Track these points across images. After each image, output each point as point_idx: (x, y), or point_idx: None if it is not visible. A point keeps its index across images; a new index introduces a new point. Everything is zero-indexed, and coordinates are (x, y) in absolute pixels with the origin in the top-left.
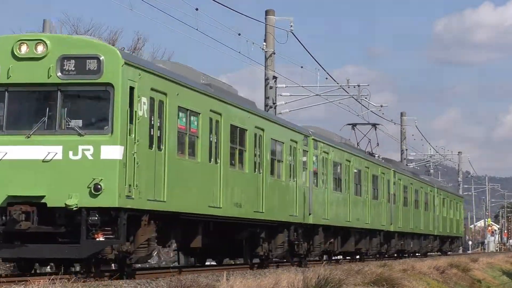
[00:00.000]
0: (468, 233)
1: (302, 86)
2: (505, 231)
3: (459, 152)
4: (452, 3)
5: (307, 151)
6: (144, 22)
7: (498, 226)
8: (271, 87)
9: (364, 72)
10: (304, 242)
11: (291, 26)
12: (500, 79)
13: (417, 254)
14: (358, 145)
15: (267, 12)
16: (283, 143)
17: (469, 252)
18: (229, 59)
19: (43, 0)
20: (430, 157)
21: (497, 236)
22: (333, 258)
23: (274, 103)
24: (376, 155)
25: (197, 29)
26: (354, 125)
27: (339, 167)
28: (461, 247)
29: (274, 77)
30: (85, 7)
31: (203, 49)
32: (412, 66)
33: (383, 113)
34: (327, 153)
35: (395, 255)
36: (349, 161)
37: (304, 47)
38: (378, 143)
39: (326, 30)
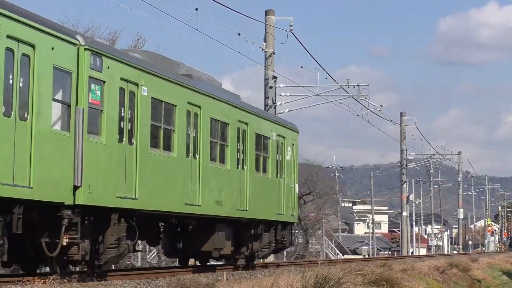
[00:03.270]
0: (468, 233)
1: (302, 86)
2: (505, 231)
3: (458, 152)
4: (456, 3)
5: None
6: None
7: (498, 226)
8: (271, 87)
9: (367, 72)
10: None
11: (291, 26)
12: (501, 80)
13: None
14: None
15: (267, 12)
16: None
17: (469, 252)
18: (229, 59)
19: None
20: (430, 157)
21: (496, 236)
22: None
23: (274, 103)
24: None
25: (197, 29)
26: None
27: None
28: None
29: (274, 77)
30: (85, 7)
31: (203, 49)
32: (414, 66)
33: (382, 113)
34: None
35: None
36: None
37: (304, 47)
38: None
39: (328, 30)
